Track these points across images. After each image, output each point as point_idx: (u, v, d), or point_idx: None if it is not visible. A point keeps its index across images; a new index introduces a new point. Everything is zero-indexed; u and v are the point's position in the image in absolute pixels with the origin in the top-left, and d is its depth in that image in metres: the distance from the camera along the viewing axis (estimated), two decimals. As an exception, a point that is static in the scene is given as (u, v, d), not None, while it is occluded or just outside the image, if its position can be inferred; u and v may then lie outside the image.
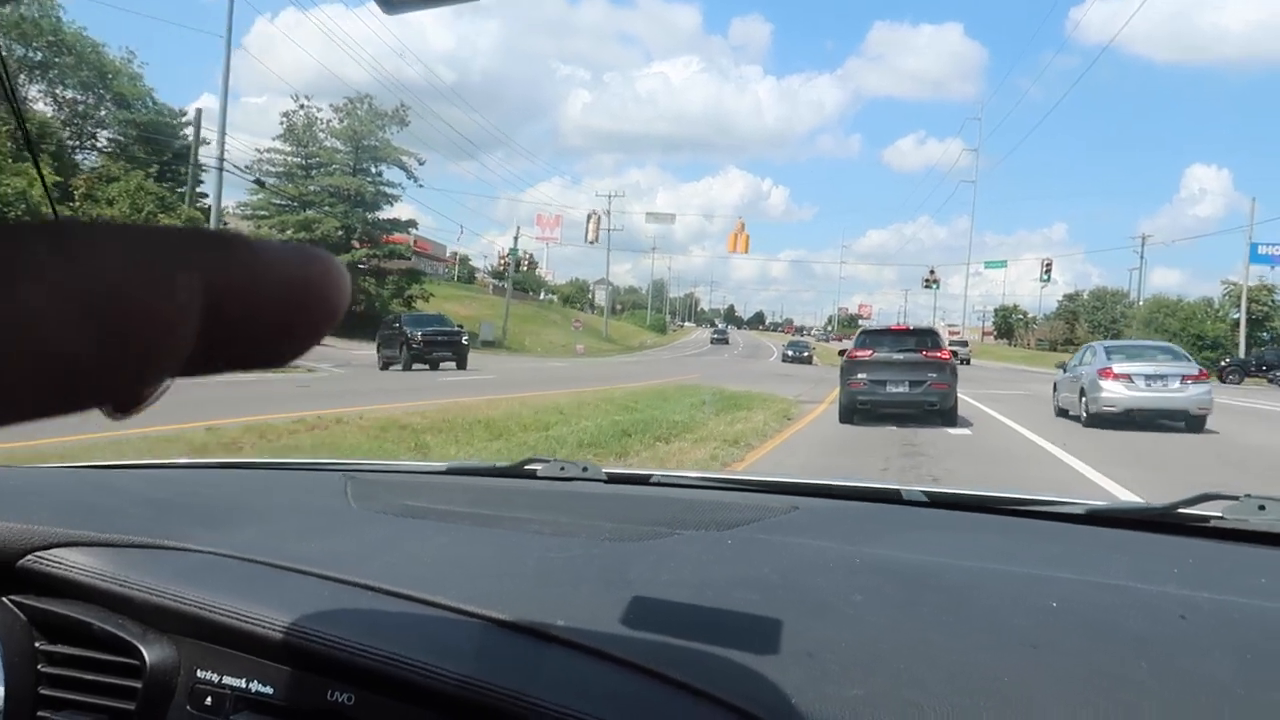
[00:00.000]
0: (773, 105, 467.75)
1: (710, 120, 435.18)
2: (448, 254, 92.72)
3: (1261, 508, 1.16)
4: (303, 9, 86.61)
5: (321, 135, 48.50)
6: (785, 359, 51.56)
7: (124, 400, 0.21)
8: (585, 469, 1.53)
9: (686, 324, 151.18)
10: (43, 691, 0.96)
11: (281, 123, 47.93)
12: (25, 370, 0.20)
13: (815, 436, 11.77)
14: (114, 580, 0.96)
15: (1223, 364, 39.25)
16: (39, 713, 0.96)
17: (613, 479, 1.51)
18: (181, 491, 1.40)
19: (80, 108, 34.48)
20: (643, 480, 1.52)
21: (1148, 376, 13.11)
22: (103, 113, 35.06)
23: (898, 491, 1.43)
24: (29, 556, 1.00)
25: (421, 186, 59.74)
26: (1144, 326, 54.76)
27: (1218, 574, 1.03)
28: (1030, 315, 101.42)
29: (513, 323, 57.90)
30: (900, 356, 13.95)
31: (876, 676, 0.70)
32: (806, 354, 51.30)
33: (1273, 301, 55.32)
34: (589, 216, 63.63)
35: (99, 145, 35.01)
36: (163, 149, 36.69)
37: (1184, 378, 13.15)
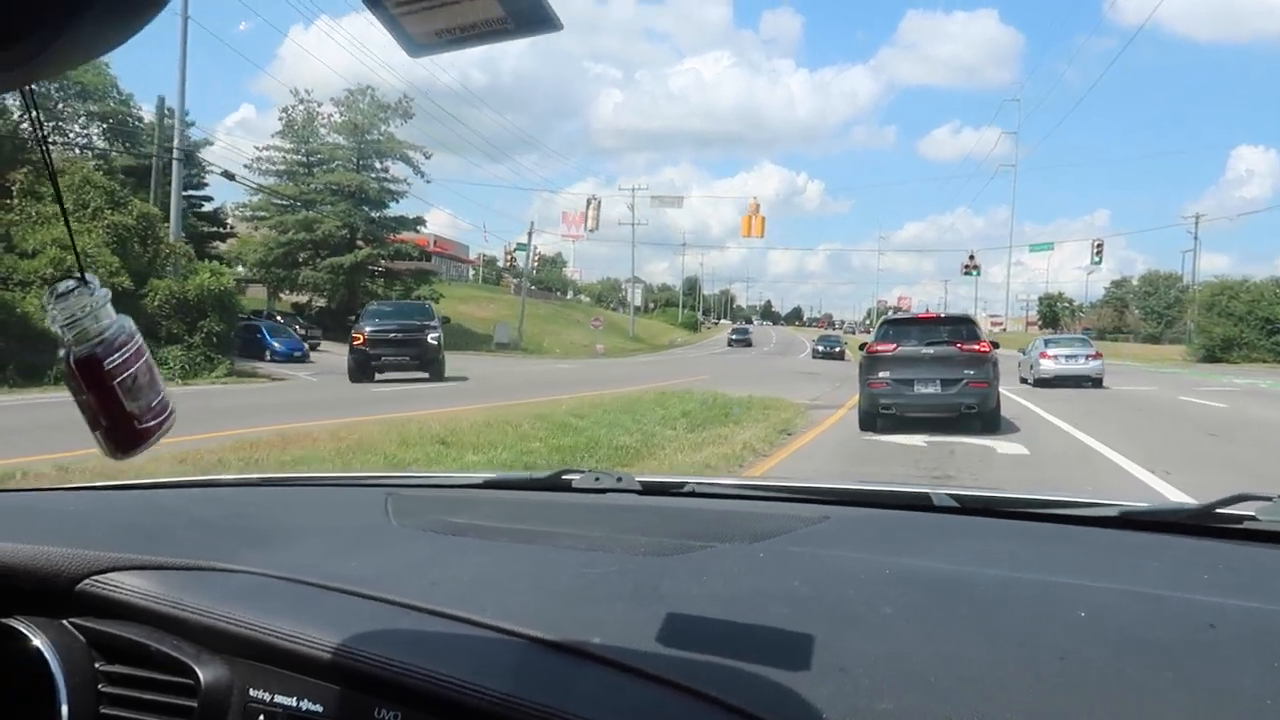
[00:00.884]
0: (805, 98, 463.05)
1: (742, 115, 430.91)
2: (473, 255, 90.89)
3: None
4: (335, 18, 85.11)
5: (323, 131, 46.45)
6: (815, 354, 50.16)
7: (125, 441, 0.16)
8: (620, 479, 1.58)
9: (722, 321, 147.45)
10: (103, 711, 0.98)
11: (280, 119, 45.99)
12: None
13: (807, 468, 8.47)
14: (167, 602, 0.99)
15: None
16: None
17: (647, 489, 1.55)
18: (226, 511, 1.45)
19: (36, 98, 32.26)
20: (677, 489, 1.57)
21: (1066, 355, 22.47)
22: (61, 105, 33.08)
23: (928, 496, 1.46)
24: (87, 580, 1.04)
25: (429, 182, 56.72)
26: (1206, 311, 50.89)
27: (1248, 579, 1.05)
28: (1076, 303, 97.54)
29: (533, 323, 55.51)
30: (930, 351, 11.20)
31: (908, 691, 0.72)
32: (838, 349, 49.29)
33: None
34: (588, 202, 59.19)
35: (62, 139, 32.92)
36: (132, 141, 34.68)
37: (1088, 356, 22.34)
